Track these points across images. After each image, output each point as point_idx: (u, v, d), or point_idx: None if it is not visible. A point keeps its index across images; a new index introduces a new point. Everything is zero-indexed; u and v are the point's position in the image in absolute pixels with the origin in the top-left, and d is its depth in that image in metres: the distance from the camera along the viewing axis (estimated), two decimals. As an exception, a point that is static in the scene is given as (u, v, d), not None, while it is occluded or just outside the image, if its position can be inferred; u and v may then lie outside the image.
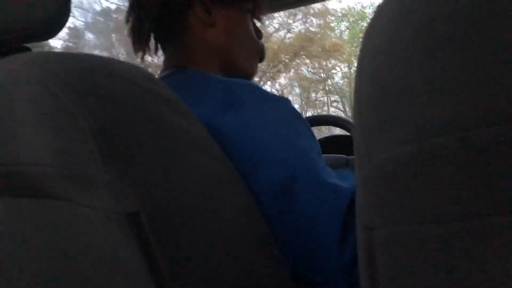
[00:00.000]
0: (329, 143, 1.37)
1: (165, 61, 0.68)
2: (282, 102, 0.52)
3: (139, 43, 0.67)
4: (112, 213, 0.33)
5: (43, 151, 0.33)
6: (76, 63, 0.36)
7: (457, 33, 0.18)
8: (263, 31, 0.76)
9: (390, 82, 0.21)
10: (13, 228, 0.36)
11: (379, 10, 0.23)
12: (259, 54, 0.74)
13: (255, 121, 0.48)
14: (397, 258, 0.22)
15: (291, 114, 0.51)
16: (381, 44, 0.22)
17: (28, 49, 0.44)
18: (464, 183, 0.19)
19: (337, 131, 1.43)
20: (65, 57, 0.37)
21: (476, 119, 0.18)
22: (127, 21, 0.68)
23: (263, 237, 0.45)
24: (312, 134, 0.51)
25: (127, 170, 0.34)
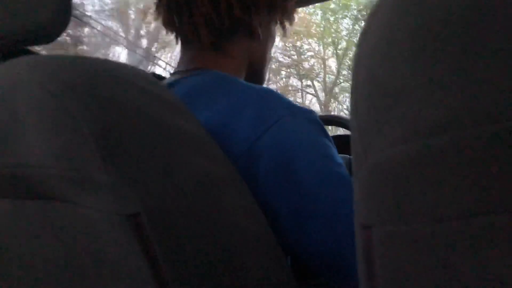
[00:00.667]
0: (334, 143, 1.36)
1: (184, 61, 0.65)
2: (309, 118, 0.52)
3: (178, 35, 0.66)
4: (114, 214, 0.33)
5: (45, 153, 0.33)
6: (77, 66, 0.36)
7: (452, 34, 0.18)
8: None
9: (386, 82, 0.21)
10: (16, 230, 0.37)
11: (375, 10, 0.23)
12: None
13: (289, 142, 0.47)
14: (395, 257, 0.22)
15: (320, 131, 0.51)
16: (376, 44, 0.22)
17: (30, 52, 0.44)
18: (460, 182, 0.19)
19: (340, 131, 1.43)
20: (67, 60, 0.37)
21: (472, 118, 0.18)
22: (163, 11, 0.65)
23: (264, 237, 0.45)
24: (334, 146, 0.51)
25: (128, 171, 0.34)
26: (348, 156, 1.23)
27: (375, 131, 0.22)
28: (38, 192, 0.35)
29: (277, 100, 0.51)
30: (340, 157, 0.51)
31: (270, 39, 0.70)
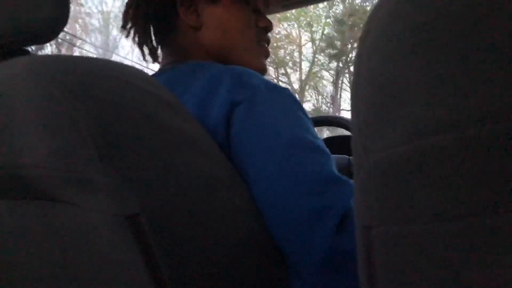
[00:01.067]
0: (332, 144, 1.36)
1: (163, 58, 0.68)
2: (285, 91, 0.51)
3: (140, 43, 0.67)
4: (112, 215, 0.33)
5: (42, 153, 0.33)
6: (74, 66, 0.36)
7: (454, 32, 0.18)
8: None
9: (387, 82, 0.21)
10: (14, 230, 0.36)
11: (376, 10, 0.23)
12: (263, 46, 0.70)
13: (267, 114, 0.47)
14: (396, 257, 0.22)
15: (294, 105, 0.50)
16: (377, 44, 0.22)
17: (27, 52, 0.44)
18: (462, 182, 0.18)
19: (339, 131, 1.43)
20: (63, 60, 0.37)
21: (474, 118, 0.18)
22: (124, 23, 0.68)
23: (262, 238, 0.45)
24: (310, 123, 0.51)
25: (126, 172, 0.34)
26: (347, 156, 1.23)
27: (376, 131, 0.22)
28: (36, 192, 0.35)
29: (252, 76, 0.51)
30: (318, 137, 0.51)
31: (231, 23, 0.65)
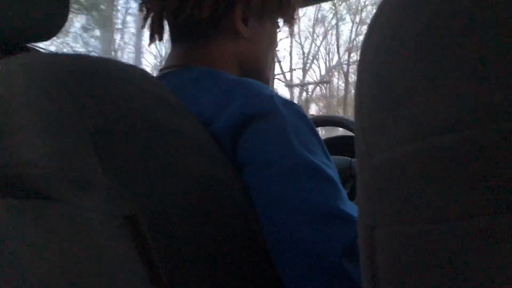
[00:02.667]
0: (333, 144, 1.36)
1: (173, 57, 0.64)
2: (298, 109, 0.51)
3: (156, 32, 0.64)
4: (110, 216, 0.33)
5: (41, 153, 0.33)
6: (73, 64, 0.36)
7: (459, 32, 0.18)
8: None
9: (391, 81, 0.20)
10: (12, 229, 0.36)
11: (380, 9, 0.23)
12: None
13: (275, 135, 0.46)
14: (399, 257, 0.21)
15: (306, 125, 0.49)
16: (382, 43, 0.21)
17: (27, 50, 0.44)
18: (466, 182, 0.18)
19: (341, 131, 1.43)
20: (63, 59, 0.36)
21: (478, 118, 0.18)
22: (141, 9, 0.65)
23: (262, 238, 0.45)
24: (321, 145, 0.50)
25: (125, 172, 0.34)
26: (349, 158, 1.23)
27: (379, 130, 0.21)
28: (34, 192, 0.34)
29: (266, 89, 0.50)
30: (328, 153, 0.50)
31: (265, 40, 0.67)
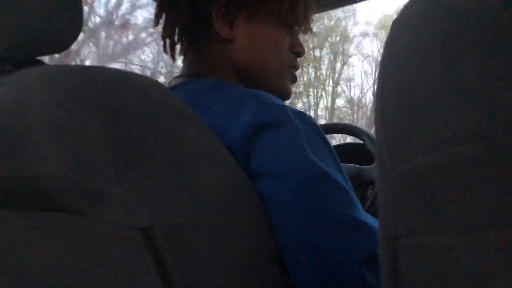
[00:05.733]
0: (341, 151, 1.36)
1: (183, 67, 0.65)
2: (310, 119, 0.50)
3: (168, 46, 0.66)
4: (126, 228, 0.33)
5: (55, 164, 0.33)
6: (89, 76, 0.36)
7: (485, 41, 0.18)
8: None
9: (416, 90, 0.20)
10: (26, 241, 0.36)
11: (401, 17, 0.22)
12: (292, 71, 0.67)
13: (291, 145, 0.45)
14: (423, 269, 0.21)
15: (318, 136, 0.49)
16: (405, 52, 0.21)
17: (41, 63, 0.44)
18: (491, 192, 0.18)
19: (349, 138, 1.42)
20: (78, 70, 0.37)
21: (504, 127, 0.17)
22: (156, 24, 0.66)
23: (276, 250, 0.44)
24: (334, 156, 0.49)
25: (141, 183, 0.33)
26: (358, 166, 1.22)
27: (403, 139, 0.21)
28: (49, 203, 0.34)
29: (277, 100, 0.50)
30: (340, 163, 0.49)
31: (262, 43, 0.62)
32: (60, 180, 0.33)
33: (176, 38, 0.65)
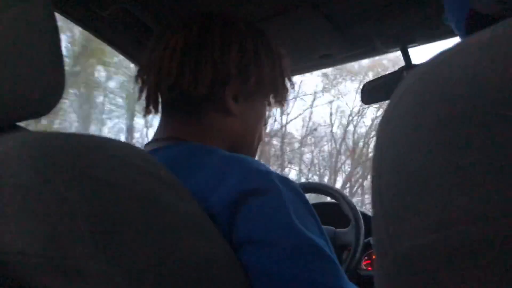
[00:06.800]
0: (316, 211, 1.34)
1: (160, 131, 0.64)
2: (295, 186, 0.50)
3: (152, 104, 0.64)
4: None
5: (29, 239, 0.31)
6: (69, 144, 0.35)
7: (481, 123, 0.18)
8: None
9: (414, 170, 0.20)
10: None
11: (397, 99, 0.23)
12: (259, 139, 0.71)
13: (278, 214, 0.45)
14: None
15: (303, 203, 0.49)
16: (401, 132, 0.22)
17: (20, 128, 0.43)
18: (492, 275, 0.18)
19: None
20: (58, 138, 0.35)
21: (502, 210, 0.17)
22: (136, 80, 0.65)
23: None
24: (318, 223, 0.49)
25: (121, 258, 0.31)
26: (333, 228, 1.21)
27: (402, 218, 0.21)
28: (20, 282, 0.31)
29: (261, 165, 0.50)
30: (323, 229, 0.49)
31: (254, 117, 0.67)
32: (34, 257, 0.30)
33: (170, 99, 0.63)
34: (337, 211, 1.23)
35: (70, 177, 0.32)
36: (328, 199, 1.34)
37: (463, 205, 0.18)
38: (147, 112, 0.65)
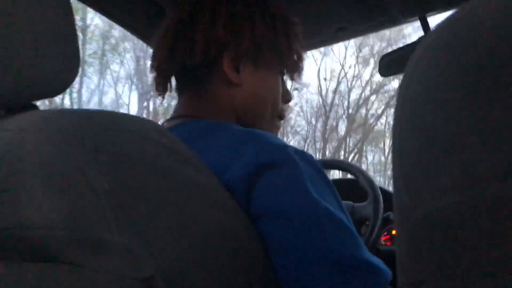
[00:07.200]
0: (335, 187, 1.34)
1: (177, 109, 0.65)
2: (312, 159, 0.50)
3: (162, 84, 0.65)
4: (125, 278, 0.31)
5: (51, 213, 0.31)
6: (87, 120, 0.35)
7: (507, 76, 0.17)
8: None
9: (437, 129, 0.20)
10: None
11: (419, 55, 0.22)
12: (278, 121, 0.69)
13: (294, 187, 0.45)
14: None
15: (319, 175, 0.48)
16: (423, 91, 0.21)
17: (35, 107, 0.43)
18: None
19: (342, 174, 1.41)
20: (76, 114, 0.36)
21: None
22: (154, 60, 0.66)
23: None
24: (335, 194, 0.49)
25: (142, 231, 0.32)
26: (351, 203, 1.21)
27: (424, 180, 0.20)
28: (42, 255, 0.32)
29: (278, 139, 0.50)
30: (342, 202, 0.49)
31: (262, 88, 0.64)
32: (56, 230, 0.31)
33: (177, 76, 0.65)
34: (355, 187, 1.23)
35: (90, 152, 0.32)
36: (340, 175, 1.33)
37: (488, 163, 0.18)
38: (158, 92, 0.66)
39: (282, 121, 0.71)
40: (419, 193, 0.21)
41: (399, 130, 0.22)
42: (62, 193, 0.31)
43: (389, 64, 1.03)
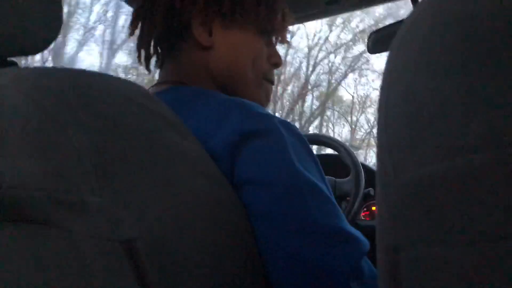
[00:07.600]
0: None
1: (162, 75, 0.64)
2: (295, 129, 0.50)
3: (143, 55, 0.64)
4: (107, 240, 0.31)
5: (31, 172, 0.31)
6: (69, 78, 0.34)
7: (497, 47, 0.17)
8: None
9: (424, 98, 0.20)
10: (1, 253, 0.33)
11: (408, 25, 0.22)
12: (266, 84, 0.66)
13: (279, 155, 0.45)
14: (425, 281, 0.21)
15: (303, 145, 0.49)
16: (413, 58, 0.21)
17: (14, 64, 0.42)
18: (499, 202, 0.17)
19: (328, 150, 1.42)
20: (58, 72, 0.34)
21: (511, 137, 0.17)
22: (131, 33, 0.65)
23: (259, 262, 0.43)
24: (317, 165, 0.49)
25: (124, 193, 0.32)
26: (334, 178, 1.22)
27: (408, 148, 0.20)
28: (20, 215, 0.32)
29: (262, 108, 0.50)
30: (324, 174, 0.49)
31: (239, 50, 0.61)
32: (36, 190, 0.30)
33: (151, 49, 0.64)
34: (337, 163, 1.24)
35: (71, 110, 0.32)
36: (328, 151, 1.35)
37: (475, 132, 0.18)
38: (139, 58, 0.65)
39: (272, 85, 0.68)
40: (403, 161, 0.21)
41: (385, 97, 0.22)
42: (41, 152, 0.30)
43: (378, 41, 1.03)
